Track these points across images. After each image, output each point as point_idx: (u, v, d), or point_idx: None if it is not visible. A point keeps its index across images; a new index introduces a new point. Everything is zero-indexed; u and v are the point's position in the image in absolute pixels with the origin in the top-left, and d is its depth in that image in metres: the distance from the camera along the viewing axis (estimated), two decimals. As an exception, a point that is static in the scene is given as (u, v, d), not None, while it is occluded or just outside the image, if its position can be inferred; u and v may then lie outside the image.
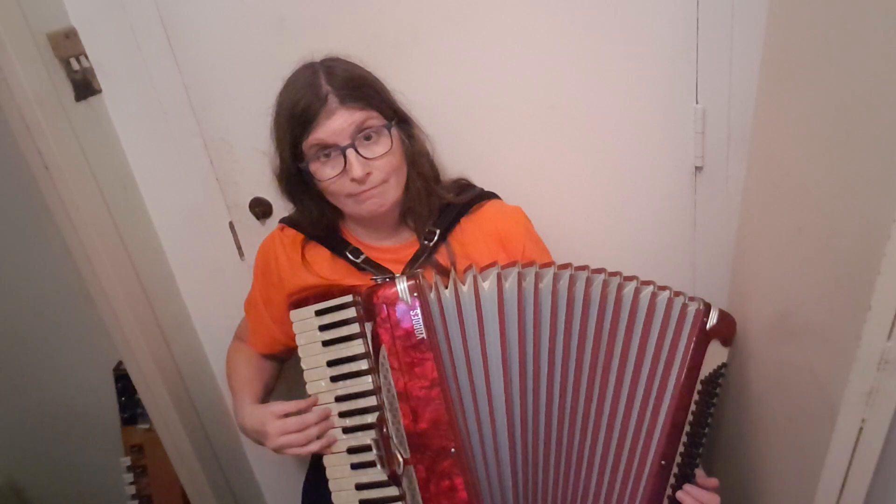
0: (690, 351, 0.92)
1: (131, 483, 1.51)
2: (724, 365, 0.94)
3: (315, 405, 0.94)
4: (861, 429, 0.79)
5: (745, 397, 1.17)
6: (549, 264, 0.92)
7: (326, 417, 0.94)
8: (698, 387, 0.93)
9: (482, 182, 1.12)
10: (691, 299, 0.93)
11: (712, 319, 0.93)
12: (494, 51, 1.10)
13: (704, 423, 0.94)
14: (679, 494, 0.92)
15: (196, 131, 1.21)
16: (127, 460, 1.50)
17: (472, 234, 1.04)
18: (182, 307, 1.38)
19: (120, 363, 1.45)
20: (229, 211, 1.29)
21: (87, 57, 1.15)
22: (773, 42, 0.96)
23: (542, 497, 0.93)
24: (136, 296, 1.23)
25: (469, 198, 1.06)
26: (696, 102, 1.08)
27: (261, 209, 1.27)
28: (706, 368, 0.93)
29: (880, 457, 0.80)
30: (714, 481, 0.94)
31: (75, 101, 1.13)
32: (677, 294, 0.93)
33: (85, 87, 1.15)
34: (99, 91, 1.18)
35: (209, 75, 1.17)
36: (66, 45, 1.11)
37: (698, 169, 1.14)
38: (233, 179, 1.25)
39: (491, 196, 1.09)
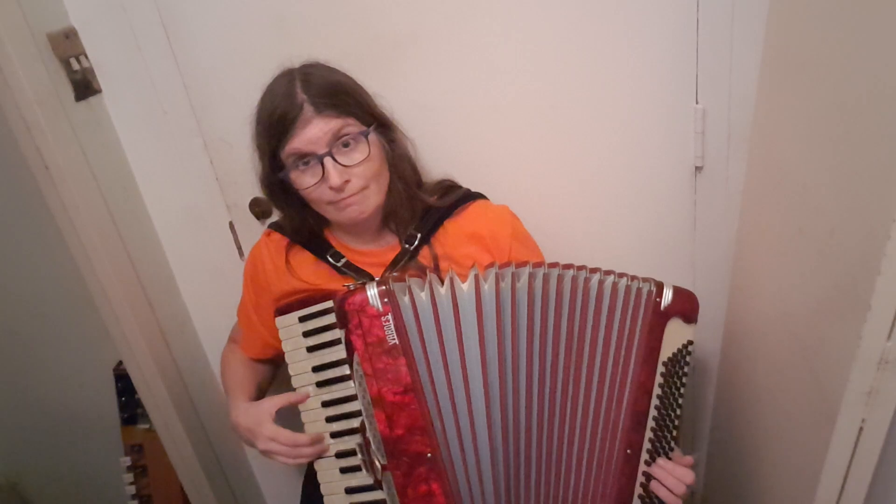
0: (645, 333, 0.91)
1: (131, 483, 1.51)
2: (689, 343, 0.92)
3: (307, 398, 0.95)
4: (861, 429, 0.79)
5: (746, 397, 1.17)
6: (536, 263, 0.91)
7: (319, 441, 0.94)
8: (661, 369, 0.92)
9: (484, 182, 1.12)
10: (644, 280, 0.92)
11: (667, 298, 0.91)
12: (495, 51, 1.10)
13: (675, 405, 0.93)
14: (652, 468, 0.92)
15: (196, 131, 1.21)
16: (127, 460, 1.51)
17: (455, 236, 1.03)
18: (182, 307, 1.38)
19: (120, 363, 1.45)
20: (229, 211, 1.29)
21: (87, 57, 1.16)
22: (773, 42, 0.96)
23: (525, 497, 0.92)
24: (136, 296, 1.23)
25: (452, 200, 1.05)
26: (696, 102, 1.08)
27: (261, 209, 1.27)
28: (668, 349, 0.92)
29: (880, 457, 0.81)
30: (689, 459, 0.93)
31: (75, 101, 1.13)
32: (633, 278, 0.92)
33: (85, 87, 1.15)
34: (99, 91, 1.18)
35: (209, 75, 1.17)
36: (66, 45, 1.12)
37: (698, 169, 1.14)
38: (233, 179, 1.25)
39: (476, 197, 1.08)
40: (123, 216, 1.21)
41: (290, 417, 0.98)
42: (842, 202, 0.77)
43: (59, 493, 1.72)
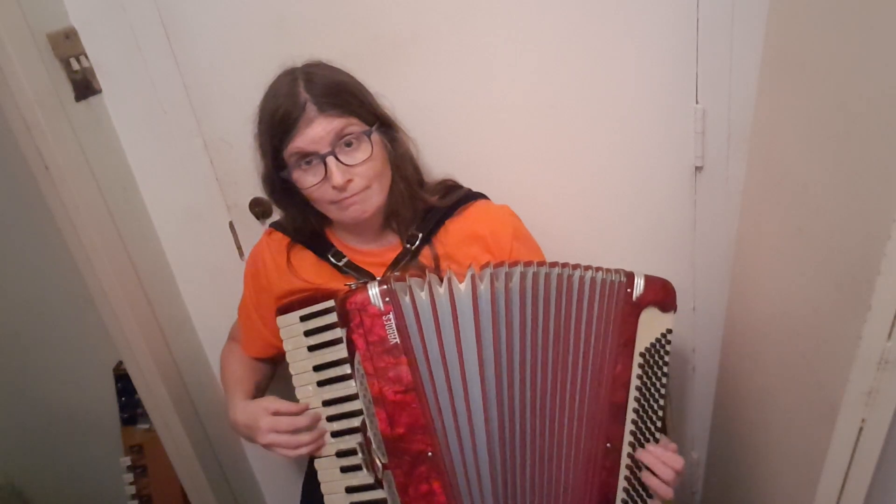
0: (618, 324, 0.91)
1: (131, 483, 1.51)
2: (668, 331, 0.92)
3: (307, 409, 0.95)
4: (861, 429, 0.79)
5: (746, 397, 1.17)
6: (526, 262, 0.91)
7: (317, 423, 0.94)
8: (639, 360, 0.91)
9: (483, 182, 1.12)
10: (616, 272, 0.92)
11: (638, 288, 0.91)
12: (494, 51, 1.10)
13: (657, 395, 0.92)
14: (639, 452, 0.91)
15: (196, 131, 1.21)
16: (127, 460, 1.51)
17: (456, 236, 1.03)
18: (182, 307, 1.38)
19: (120, 363, 1.45)
20: (229, 211, 1.29)
21: (87, 57, 1.15)
22: (773, 42, 0.96)
23: (521, 495, 0.92)
24: (136, 296, 1.23)
25: (453, 200, 1.05)
26: (696, 102, 1.08)
27: (261, 209, 1.27)
28: (645, 339, 0.92)
29: (880, 457, 0.81)
30: (674, 445, 0.93)
31: (75, 101, 1.13)
32: (607, 271, 0.92)
33: (85, 87, 1.15)
34: (99, 91, 1.18)
35: (209, 75, 1.17)
36: (66, 45, 1.11)
37: (698, 169, 1.14)
38: (233, 179, 1.25)
39: (477, 196, 1.08)
40: (123, 216, 1.21)
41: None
42: (842, 202, 0.77)
43: (59, 493, 1.72)
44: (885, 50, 0.66)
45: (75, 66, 1.13)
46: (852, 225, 0.75)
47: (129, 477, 1.51)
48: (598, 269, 0.93)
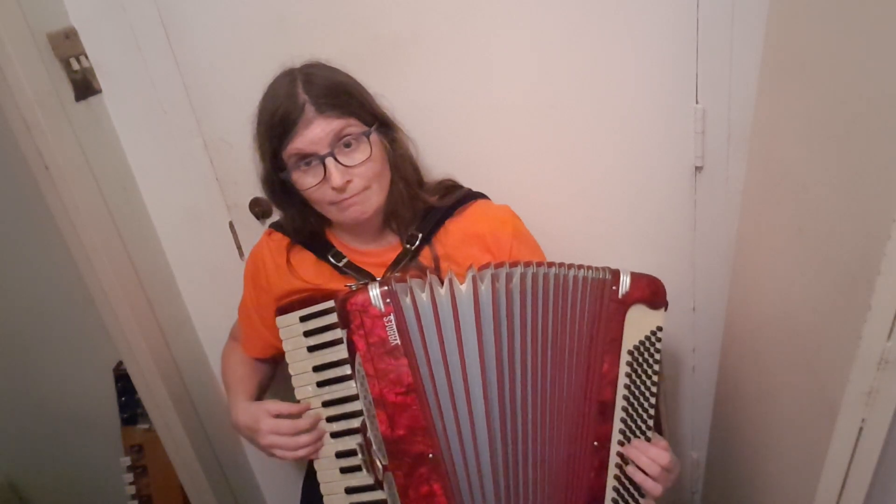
0: (603, 322, 0.91)
1: (131, 483, 1.51)
2: (658, 329, 0.91)
3: (308, 409, 0.95)
4: (861, 429, 0.79)
5: (746, 397, 1.17)
6: (526, 263, 0.91)
7: (317, 425, 0.94)
8: (627, 357, 0.91)
9: (483, 182, 1.12)
10: (601, 270, 0.92)
11: (624, 285, 0.91)
12: (494, 51, 1.10)
13: (647, 394, 0.92)
14: (624, 448, 0.91)
15: (196, 131, 1.21)
16: (127, 460, 1.50)
17: (456, 236, 1.03)
18: (182, 307, 1.38)
19: (120, 363, 1.45)
20: (229, 211, 1.29)
21: (87, 57, 1.16)
22: (773, 42, 0.96)
23: (524, 496, 0.92)
24: (136, 296, 1.23)
25: (453, 200, 1.05)
26: (696, 102, 1.08)
27: (261, 209, 1.27)
28: (633, 337, 0.91)
29: (880, 457, 0.81)
30: (664, 443, 0.92)
31: (75, 101, 1.13)
32: (596, 269, 0.92)
33: (85, 87, 1.15)
34: (99, 91, 1.18)
35: (209, 75, 1.17)
36: (66, 45, 1.12)
37: (698, 169, 1.14)
38: (233, 179, 1.25)
39: (477, 196, 1.08)
40: (123, 216, 1.21)
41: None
42: (842, 202, 0.77)
43: (59, 493, 1.72)
44: (885, 50, 0.66)
45: (75, 66, 1.13)
46: (852, 225, 0.75)
47: (129, 477, 1.51)
48: (588, 267, 0.93)
